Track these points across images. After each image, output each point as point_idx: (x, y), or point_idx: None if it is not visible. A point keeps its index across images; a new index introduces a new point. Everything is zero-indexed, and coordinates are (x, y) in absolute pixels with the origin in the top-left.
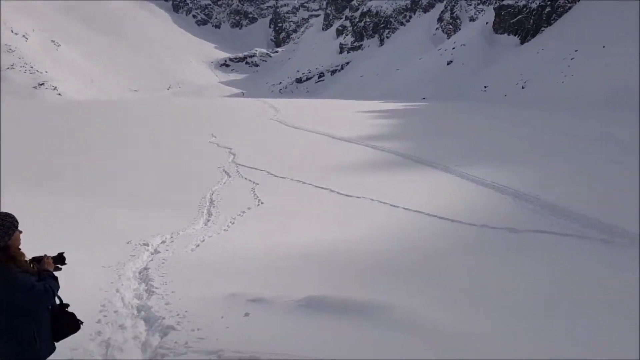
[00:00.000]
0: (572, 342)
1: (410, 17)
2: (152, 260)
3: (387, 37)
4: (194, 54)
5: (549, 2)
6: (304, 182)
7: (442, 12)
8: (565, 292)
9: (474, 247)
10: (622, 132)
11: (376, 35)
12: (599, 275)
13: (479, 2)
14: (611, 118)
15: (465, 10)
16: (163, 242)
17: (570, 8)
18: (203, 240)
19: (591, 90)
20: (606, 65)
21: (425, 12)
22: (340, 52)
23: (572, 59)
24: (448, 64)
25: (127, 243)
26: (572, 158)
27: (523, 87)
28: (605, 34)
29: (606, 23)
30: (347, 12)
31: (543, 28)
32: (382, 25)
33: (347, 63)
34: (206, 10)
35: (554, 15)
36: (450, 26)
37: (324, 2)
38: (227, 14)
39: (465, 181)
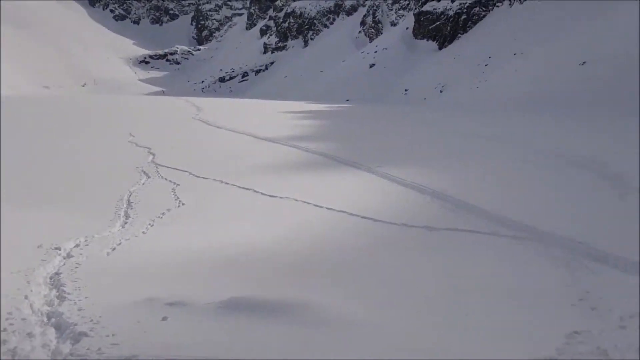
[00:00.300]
0: (494, 336)
1: (334, 19)
2: (64, 265)
3: (312, 39)
4: (111, 50)
5: (465, 10)
6: (227, 183)
7: (364, 16)
8: (483, 285)
9: (395, 245)
10: (530, 134)
11: (300, 37)
12: (511, 268)
13: (399, 7)
14: (523, 121)
15: (387, 15)
16: (77, 245)
17: (484, 16)
18: (119, 244)
19: (502, 95)
20: (515, 72)
21: (348, 16)
22: (265, 52)
23: (485, 65)
24: (370, 67)
25: (38, 247)
26: (484, 158)
27: (441, 92)
28: (516, 42)
29: (518, 31)
30: (271, 12)
31: (459, 35)
32: (306, 26)
33: (272, 63)
34: (124, 5)
35: (470, 22)
36: (373, 30)
37: (248, 1)
38: (147, 9)
39: (386, 181)
